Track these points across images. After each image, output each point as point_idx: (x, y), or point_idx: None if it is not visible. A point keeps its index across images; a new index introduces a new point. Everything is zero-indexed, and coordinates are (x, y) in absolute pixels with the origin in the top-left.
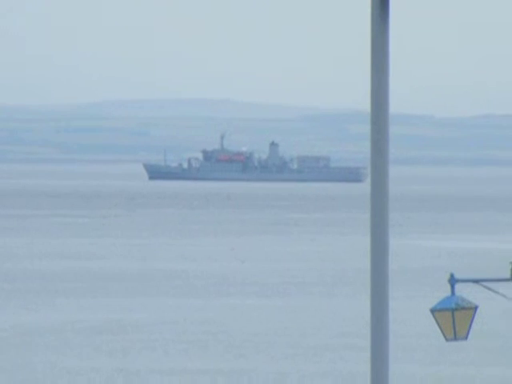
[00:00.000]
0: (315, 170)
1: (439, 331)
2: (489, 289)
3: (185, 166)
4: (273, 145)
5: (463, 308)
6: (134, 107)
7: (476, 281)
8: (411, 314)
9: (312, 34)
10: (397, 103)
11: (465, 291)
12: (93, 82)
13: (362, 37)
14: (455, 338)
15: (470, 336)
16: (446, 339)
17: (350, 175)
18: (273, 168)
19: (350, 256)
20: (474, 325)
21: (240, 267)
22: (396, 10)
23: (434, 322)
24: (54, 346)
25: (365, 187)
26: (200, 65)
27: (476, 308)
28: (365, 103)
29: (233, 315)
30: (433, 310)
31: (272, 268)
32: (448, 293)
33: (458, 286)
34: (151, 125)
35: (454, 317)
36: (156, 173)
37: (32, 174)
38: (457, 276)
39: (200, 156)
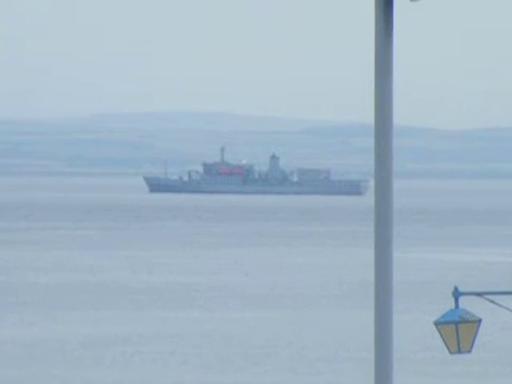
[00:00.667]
0: (315, 182)
1: (443, 344)
2: (492, 302)
3: (185, 178)
4: (273, 157)
5: (467, 321)
6: (138, 120)
7: (479, 294)
8: (415, 327)
9: (315, 47)
10: (400, 116)
11: (468, 304)
12: (95, 95)
13: (365, 49)
14: (459, 351)
15: (473, 349)
16: (450, 352)
17: (351, 188)
18: (273, 181)
19: (351, 269)
20: (477, 338)
21: (243, 280)
22: (399, 21)
23: (438, 334)
24: (56, 358)
25: (365, 200)
26: (202, 78)
27: (480, 321)
28: (369, 116)
29: (235, 328)
30: (437, 323)
31: (275, 280)
32: (452, 306)
33: (461, 299)
34: (155, 137)
35: (458, 330)
36: (156, 185)
37: (36, 186)
38: (460, 289)
39: (200, 169)
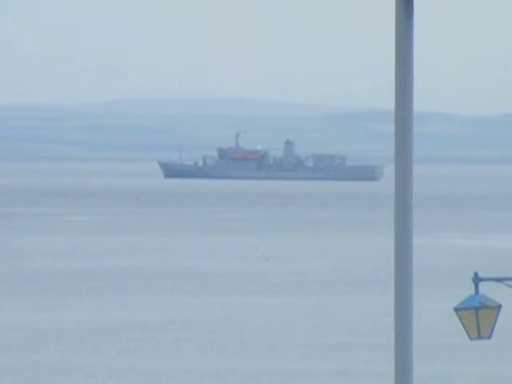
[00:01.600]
0: (330, 168)
1: (463, 330)
2: None
3: (200, 163)
4: (288, 143)
5: (487, 307)
6: (160, 105)
7: (500, 280)
8: (435, 313)
9: (336, 33)
10: (421, 102)
11: (488, 290)
12: (118, 80)
13: (386, 34)
14: (479, 337)
15: (493, 335)
16: (470, 338)
17: (366, 174)
18: (288, 166)
19: (368, 254)
20: (497, 323)
21: (263, 266)
22: (420, 5)
23: (458, 320)
24: (70, 344)
25: (380, 185)
26: (226, 63)
27: (500, 307)
28: (389, 102)
29: (252, 314)
30: (457, 309)
31: (294, 266)
32: (472, 292)
33: (481, 285)
34: (177, 123)
35: (478, 315)
36: (171, 171)
37: (57, 172)
38: (480, 275)
39: (215, 154)
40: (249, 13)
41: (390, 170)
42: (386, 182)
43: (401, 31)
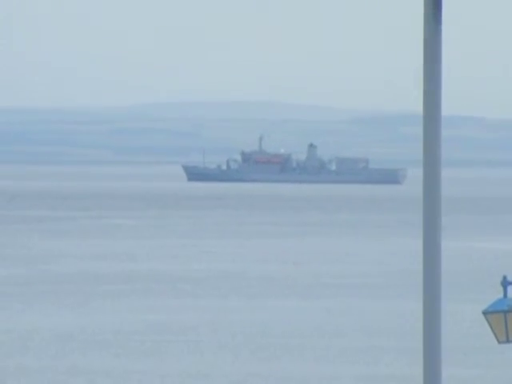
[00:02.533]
0: (354, 171)
1: (491, 333)
2: None
3: (223, 167)
4: (311, 146)
5: None
6: (187, 109)
7: None
8: (463, 316)
9: (364, 37)
10: (449, 105)
11: None
12: (144, 84)
13: (414, 38)
14: (507, 340)
15: None
16: (499, 341)
17: (389, 177)
18: (311, 169)
19: (395, 258)
20: None
21: (292, 269)
22: (448, 10)
23: (487, 324)
24: (95, 347)
25: (403, 189)
26: (254, 66)
27: None
28: (418, 105)
29: (279, 317)
30: (485, 312)
31: (321, 269)
32: (500, 295)
33: (510, 288)
34: (203, 126)
35: (507, 319)
36: (195, 174)
37: (84, 176)
38: (510, 278)
39: (239, 157)
40: (273, 16)
41: (413, 173)
42: (410, 186)
43: (429, 35)
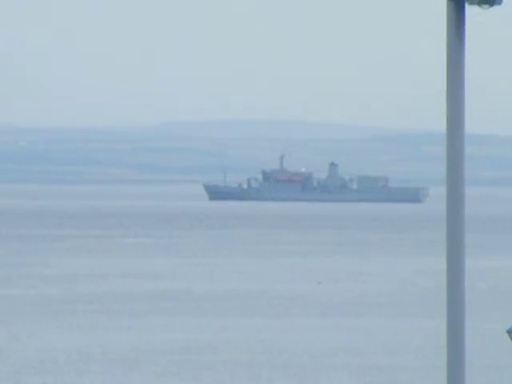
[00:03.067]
0: (374, 190)
1: None
2: None
3: (244, 186)
4: (332, 165)
5: None
6: (209, 128)
7: None
8: (487, 335)
9: (387, 56)
10: (473, 123)
11: None
12: (167, 103)
13: (437, 57)
14: None
15: None
16: None
17: (409, 195)
18: (332, 188)
19: (418, 277)
20: None
21: (316, 288)
22: (472, 26)
23: (511, 342)
24: (114, 365)
25: (424, 207)
26: (275, 85)
27: None
28: (441, 124)
29: (303, 335)
30: (509, 331)
31: (345, 288)
32: None
33: None
34: (228, 146)
35: None
36: (216, 193)
37: (108, 195)
38: None
39: (260, 176)
40: (296, 37)
41: (435, 191)
42: (431, 204)
43: (452, 51)
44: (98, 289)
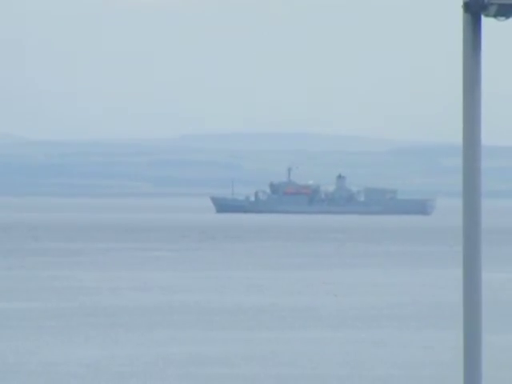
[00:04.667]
0: (382, 202)
1: None
2: None
3: (252, 198)
4: (340, 177)
5: None
6: (224, 140)
7: None
8: (503, 348)
9: (402, 68)
10: (490, 135)
11: None
12: (183, 116)
13: (454, 70)
14: None
15: None
16: None
17: (417, 208)
18: (339, 200)
19: (427, 289)
20: None
21: (331, 300)
22: (486, 42)
23: None
24: (127, 379)
25: (432, 220)
26: (290, 98)
27: None
28: (458, 136)
29: (319, 348)
30: None
31: (362, 301)
32: None
33: None
34: (244, 158)
35: None
36: (223, 206)
37: (124, 208)
38: None
39: (267, 189)
40: (314, 49)
41: (442, 203)
42: (439, 216)
43: (468, 68)
44: (106, 302)
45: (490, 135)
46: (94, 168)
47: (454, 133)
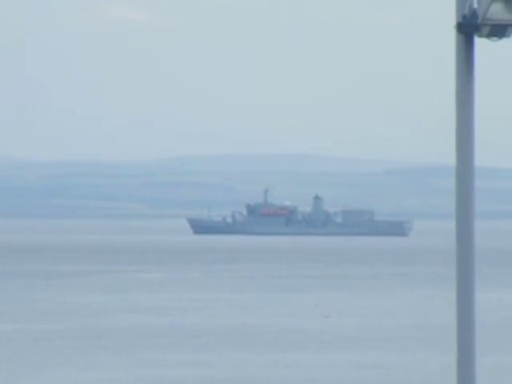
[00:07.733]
0: (359, 223)
1: None
2: None
3: (229, 219)
4: (317, 198)
5: None
6: (217, 162)
7: None
8: (497, 370)
9: (392, 92)
10: (482, 156)
11: None
12: (176, 137)
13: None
14: None
15: None
16: None
17: (395, 229)
18: (316, 222)
19: (407, 311)
20: None
21: (323, 322)
22: (481, 59)
23: None
24: None
25: (409, 241)
26: (285, 118)
27: None
28: (450, 157)
29: (312, 370)
30: None
31: (352, 323)
32: None
33: None
34: (237, 180)
35: None
36: (200, 227)
37: (118, 229)
38: None
39: (244, 210)
40: (303, 69)
41: (419, 225)
42: (416, 238)
43: (461, 85)
44: (96, 324)
45: (483, 156)
46: (90, 189)
47: (441, 153)
